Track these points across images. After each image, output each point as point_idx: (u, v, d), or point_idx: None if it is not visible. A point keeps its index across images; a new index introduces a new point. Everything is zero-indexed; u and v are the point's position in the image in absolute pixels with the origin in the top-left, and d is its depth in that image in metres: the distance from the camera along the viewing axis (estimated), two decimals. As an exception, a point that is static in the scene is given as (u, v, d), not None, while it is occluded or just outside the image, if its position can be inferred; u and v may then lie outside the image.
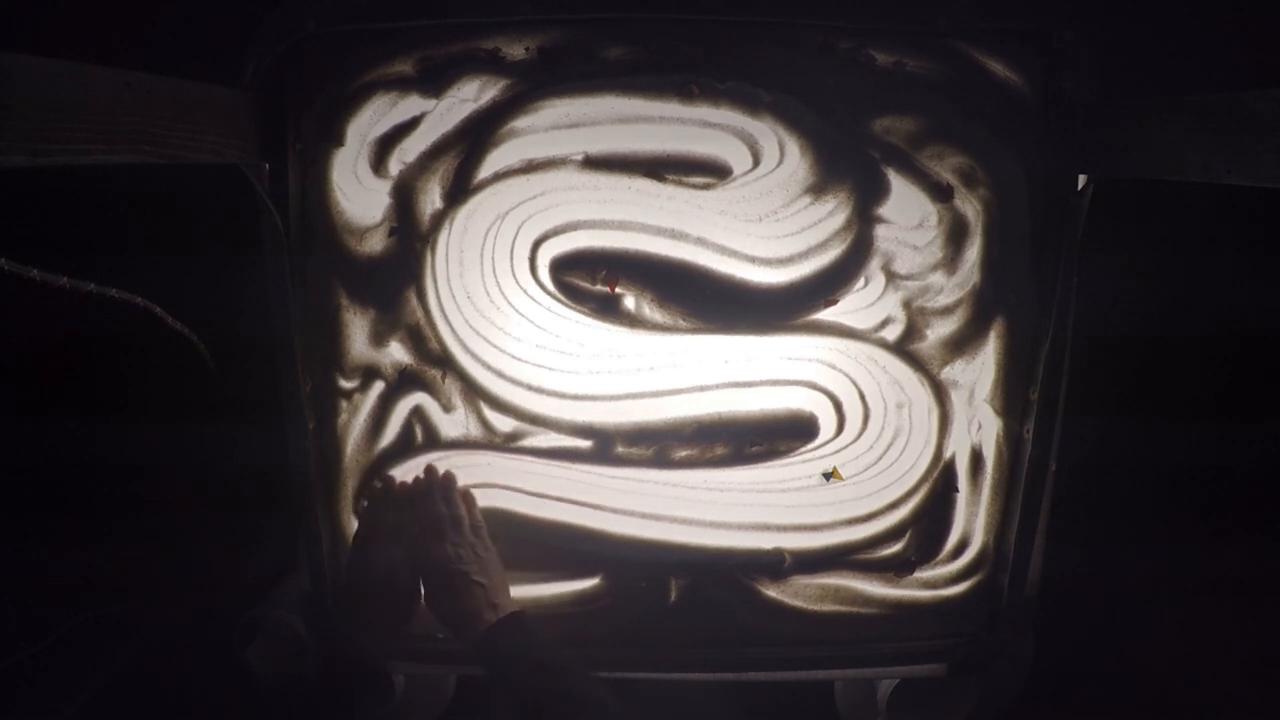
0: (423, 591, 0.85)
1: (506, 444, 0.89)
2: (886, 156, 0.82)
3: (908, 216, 0.83)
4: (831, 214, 0.83)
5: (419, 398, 0.88)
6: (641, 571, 0.91)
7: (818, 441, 0.89)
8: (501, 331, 0.85)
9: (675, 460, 0.89)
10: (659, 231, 0.83)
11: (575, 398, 0.87)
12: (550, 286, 0.84)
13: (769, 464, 0.89)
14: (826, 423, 0.88)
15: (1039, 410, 0.85)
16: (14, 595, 1.09)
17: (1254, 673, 1.01)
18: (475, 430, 0.88)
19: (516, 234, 0.83)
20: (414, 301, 0.85)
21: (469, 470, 0.89)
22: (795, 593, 0.91)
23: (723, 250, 0.83)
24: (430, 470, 0.88)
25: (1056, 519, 0.90)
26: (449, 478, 0.88)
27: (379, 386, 0.87)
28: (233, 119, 0.75)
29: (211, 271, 0.94)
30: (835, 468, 0.89)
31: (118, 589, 1.13)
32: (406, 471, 0.89)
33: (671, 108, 0.80)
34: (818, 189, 0.82)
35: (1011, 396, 0.87)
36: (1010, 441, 0.89)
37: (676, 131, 0.81)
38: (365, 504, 0.90)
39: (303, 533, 0.90)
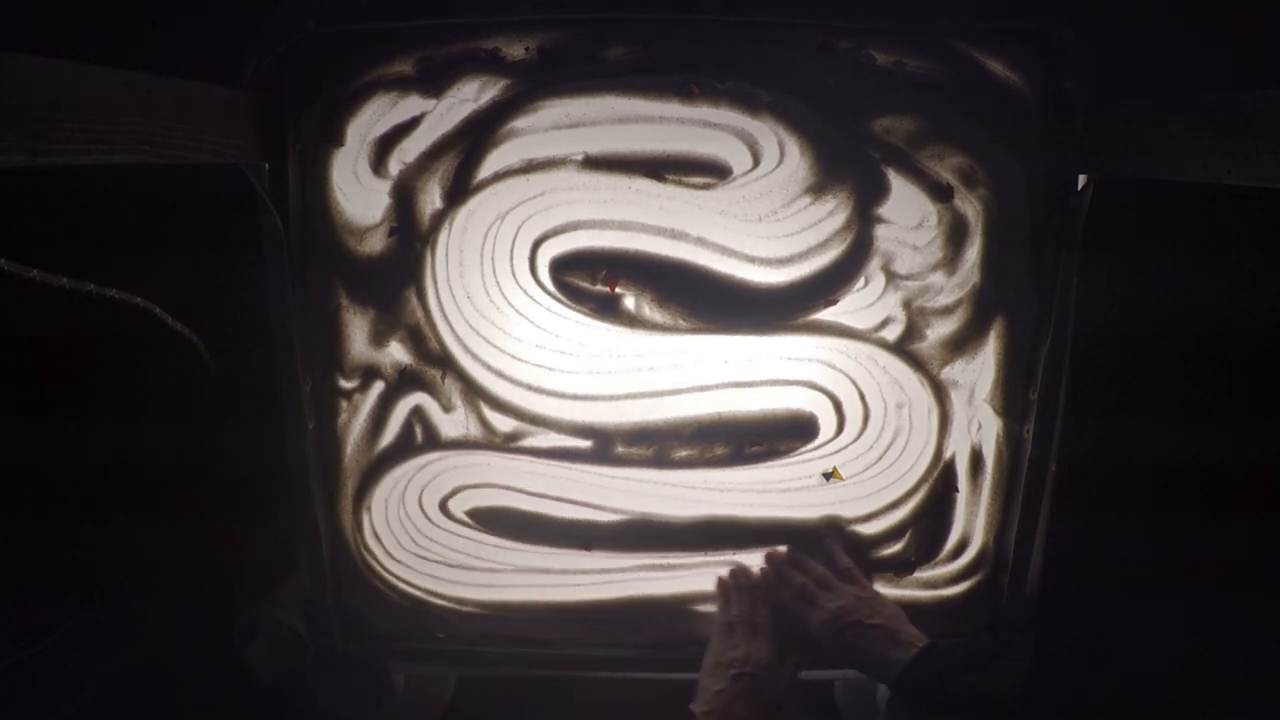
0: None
1: (506, 444, 0.89)
2: (886, 156, 0.82)
3: (908, 216, 0.83)
4: (831, 214, 0.83)
5: (419, 398, 0.88)
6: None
7: (818, 441, 0.89)
8: (501, 331, 0.85)
9: (675, 460, 0.89)
10: (659, 231, 0.83)
11: (575, 398, 0.87)
12: (550, 286, 0.84)
13: (769, 464, 0.89)
14: (826, 423, 0.88)
15: (1039, 410, 0.85)
16: (14, 595, 1.09)
17: (1254, 673, 1.00)
18: (475, 430, 0.88)
19: (516, 234, 0.83)
20: (414, 301, 0.85)
21: (469, 470, 0.89)
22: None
23: (723, 250, 0.83)
24: (769, 557, 0.89)
25: (1056, 519, 0.89)
26: (782, 552, 0.89)
27: (379, 386, 0.87)
28: (233, 119, 0.75)
29: (211, 271, 0.94)
30: (835, 468, 0.89)
31: (118, 589, 1.12)
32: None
33: (671, 108, 0.80)
34: (818, 189, 0.82)
35: (1011, 396, 0.87)
36: (1010, 441, 0.89)
37: (676, 131, 0.81)
38: (724, 624, 0.87)
39: (303, 533, 0.90)
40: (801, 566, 0.87)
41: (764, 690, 0.82)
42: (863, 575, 0.88)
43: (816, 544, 0.89)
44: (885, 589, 0.91)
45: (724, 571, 0.90)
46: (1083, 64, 0.79)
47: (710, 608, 0.91)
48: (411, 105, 0.81)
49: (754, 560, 0.91)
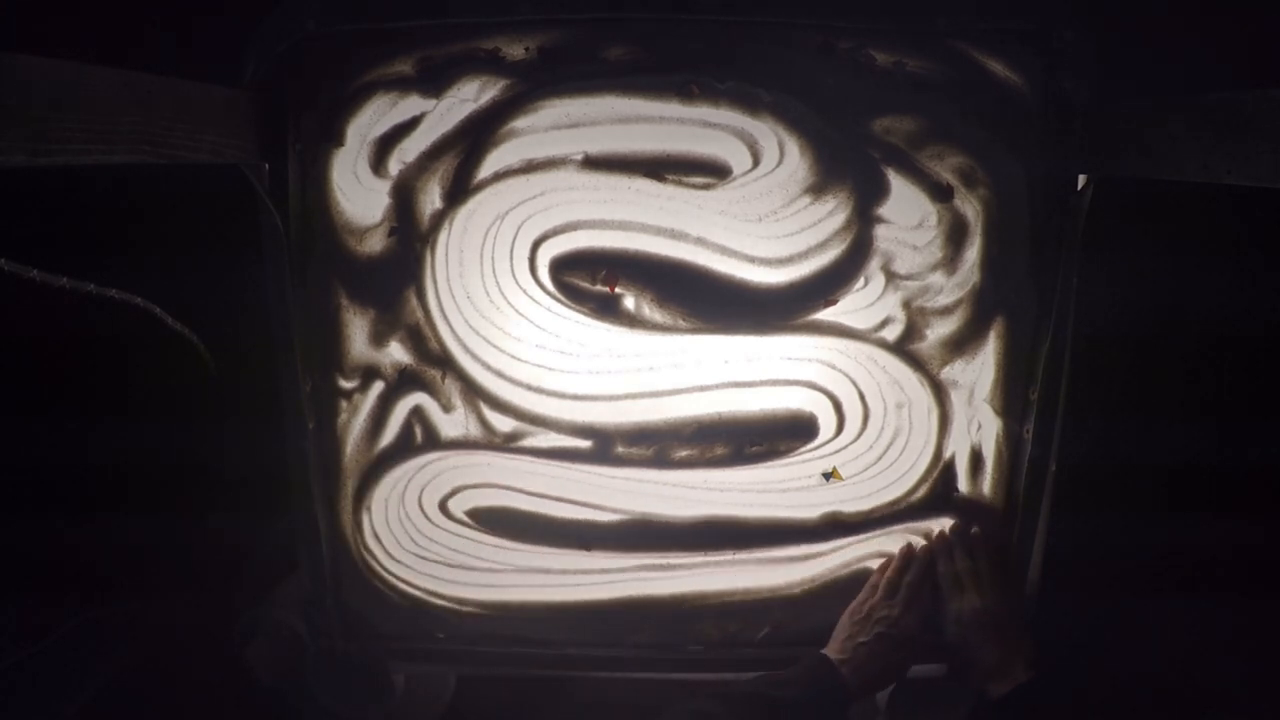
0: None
1: (506, 444, 0.89)
2: (886, 156, 0.82)
3: (908, 216, 0.83)
4: (831, 214, 0.83)
5: (419, 398, 0.88)
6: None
7: (817, 441, 0.89)
8: (501, 331, 0.85)
9: (675, 460, 0.89)
10: (659, 231, 0.83)
11: (575, 398, 0.87)
12: (550, 286, 0.84)
13: (769, 464, 0.89)
14: (826, 423, 0.88)
15: (1039, 410, 0.85)
16: (14, 595, 1.09)
17: (1254, 673, 1.00)
18: (475, 430, 0.88)
19: (516, 234, 0.83)
20: (414, 301, 0.85)
21: (469, 470, 0.89)
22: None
23: (723, 250, 0.83)
24: (949, 530, 0.90)
25: (1056, 519, 0.89)
26: (958, 528, 0.89)
27: (379, 386, 0.87)
28: (233, 119, 0.75)
29: (211, 271, 0.94)
30: (835, 468, 0.89)
31: (118, 589, 1.12)
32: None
33: (671, 108, 0.80)
34: (818, 189, 0.82)
35: (1011, 396, 0.87)
36: (1010, 441, 0.89)
37: (676, 131, 0.81)
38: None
39: (303, 533, 0.90)
40: (971, 552, 0.88)
41: (895, 657, 0.84)
42: (1017, 588, 0.89)
43: (992, 536, 0.90)
44: None
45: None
46: (1083, 64, 0.79)
47: (706, 603, 0.91)
48: (411, 105, 0.81)
49: (750, 568, 0.91)
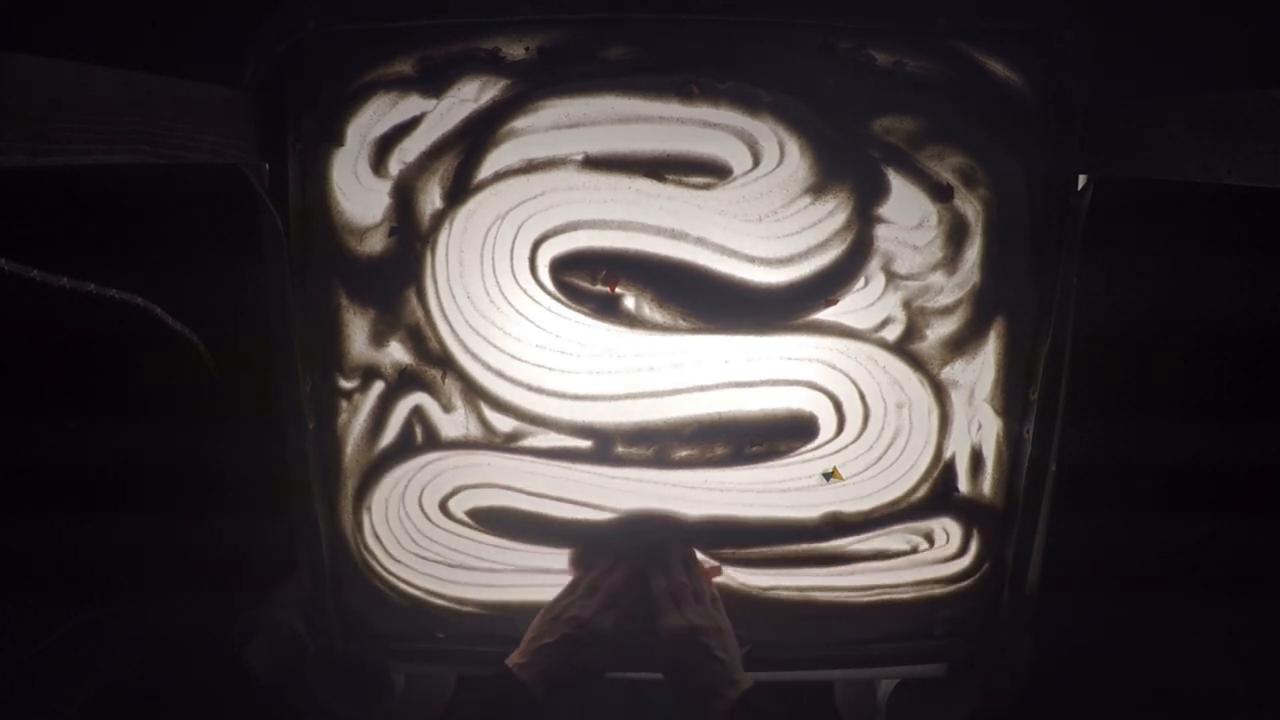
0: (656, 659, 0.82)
1: (506, 444, 0.89)
2: (886, 156, 0.82)
3: (908, 216, 0.83)
4: (831, 214, 0.83)
5: (419, 398, 0.88)
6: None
7: (818, 441, 0.89)
8: (501, 331, 0.85)
9: (675, 460, 0.89)
10: (659, 231, 0.83)
11: (575, 398, 0.87)
12: (550, 286, 0.84)
13: (769, 464, 0.89)
14: (826, 423, 0.88)
15: (1039, 410, 0.85)
16: (14, 595, 1.09)
17: (1254, 673, 1.00)
18: (475, 430, 0.88)
19: (516, 234, 0.83)
20: (414, 301, 0.85)
21: (469, 470, 0.89)
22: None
23: (723, 250, 0.83)
24: (677, 546, 0.88)
25: (1056, 519, 0.90)
26: (690, 549, 0.88)
27: (379, 386, 0.87)
28: (233, 119, 0.75)
29: (211, 271, 0.94)
30: (835, 468, 0.89)
31: (118, 589, 1.12)
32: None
33: (671, 108, 0.80)
34: (818, 189, 0.82)
35: (1011, 396, 0.87)
36: (1010, 441, 0.89)
37: (676, 131, 0.81)
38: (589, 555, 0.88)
39: (303, 533, 0.90)
40: (687, 569, 0.86)
41: (581, 657, 0.81)
42: (724, 612, 0.86)
43: (696, 560, 0.89)
44: (889, 573, 0.91)
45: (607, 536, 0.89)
46: (1083, 64, 0.79)
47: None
48: (411, 105, 0.81)
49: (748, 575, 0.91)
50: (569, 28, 0.79)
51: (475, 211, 0.83)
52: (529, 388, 0.87)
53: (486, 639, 0.93)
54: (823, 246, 0.83)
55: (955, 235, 0.84)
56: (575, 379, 0.86)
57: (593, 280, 0.84)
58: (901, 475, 0.89)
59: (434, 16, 0.79)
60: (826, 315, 0.85)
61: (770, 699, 1.04)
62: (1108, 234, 0.83)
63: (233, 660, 0.95)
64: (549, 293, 0.84)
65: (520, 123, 0.81)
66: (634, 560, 0.87)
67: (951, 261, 0.84)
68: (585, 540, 0.90)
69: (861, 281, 0.84)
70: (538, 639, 0.82)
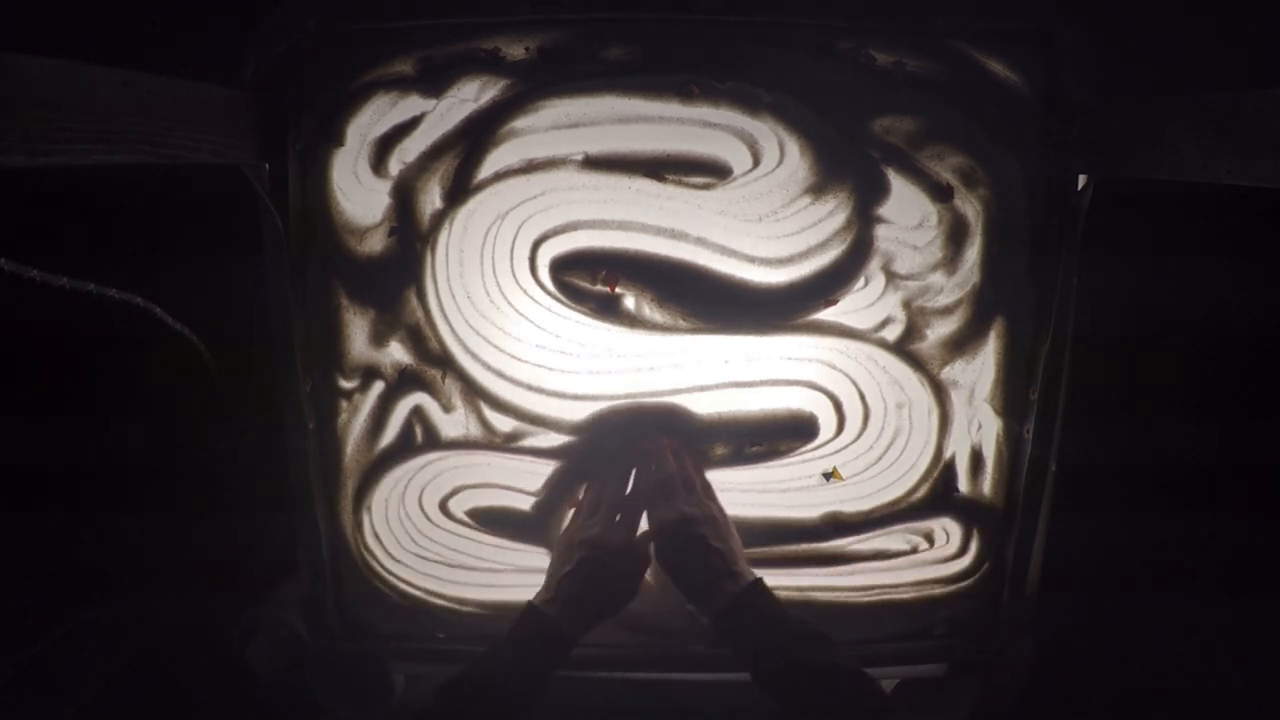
0: (653, 558, 0.80)
1: (506, 444, 0.89)
2: (886, 156, 0.82)
3: (908, 216, 0.83)
4: (831, 214, 0.83)
5: (419, 398, 0.88)
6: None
7: (818, 441, 0.89)
8: (501, 331, 0.85)
9: (675, 460, 0.89)
10: (659, 231, 0.83)
11: (575, 398, 0.87)
12: (550, 286, 0.84)
13: (769, 464, 0.89)
14: (826, 423, 0.88)
15: (1039, 410, 0.85)
16: (14, 595, 1.09)
17: (1254, 673, 1.00)
18: (475, 430, 0.88)
19: (516, 234, 0.83)
20: (414, 301, 0.85)
21: (469, 470, 0.89)
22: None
23: (723, 250, 0.83)
24: (655, 437, 0.84)
25: (1056, 519, 0.89)
26: (674, 444, 0.85)
27: (379, 386, 0.87)
28: (233, 119, 0.75)
29: (211, 271, 0.94)
30: (835, 468, 0.89)
31: (118, 588, 1.12)
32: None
33: (671, 108, 0.80)
34: (818, 189, 0.82)
35: (1011, 396, 0.87)
36: (1010, 441, 0.89)
37: (676, 131, 0.81)
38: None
39: (303, 533, 0.90)
40: (677, 460, 0.83)
41: (612, 579, 0.79)
42: (720, 503, 0.84)
43: (689, 450, 0.86)
44: (889, 573, 0.91)
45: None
46: (1083, 64, 0.79)
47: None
48: (411, 105, 0.81)
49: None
50: (569, 28, 0.79)
51: (475, 211, 0.83)
52: (529, 388, 0.87)
53: (486, 639, 0.92)
54: (823, 246, 0.83)
55: (955, 235, 0.84)
56: (575, 379, 0.86)
57: (593, 280, 0.84)
58: (901, 475, 0.89)
59: (434, 16, 0.79)
60: (826, 315, 0.85)
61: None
62: (1108, 234, 0.83)
63: (233, 660, 0.95)
64: (549, 293, 0.84)
65: (520, 123, 0.81)
66: (623, 465, 0.84)
67: (951, 261, 0.84)
68: (570, 460, 0.87)
69: (861, 281, 0.84)
70: (557, 571, 0.80)
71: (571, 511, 0.88)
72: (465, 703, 0.72)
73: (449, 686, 0.73)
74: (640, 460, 0.85)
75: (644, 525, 0.83)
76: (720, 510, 0.83)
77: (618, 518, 0.82)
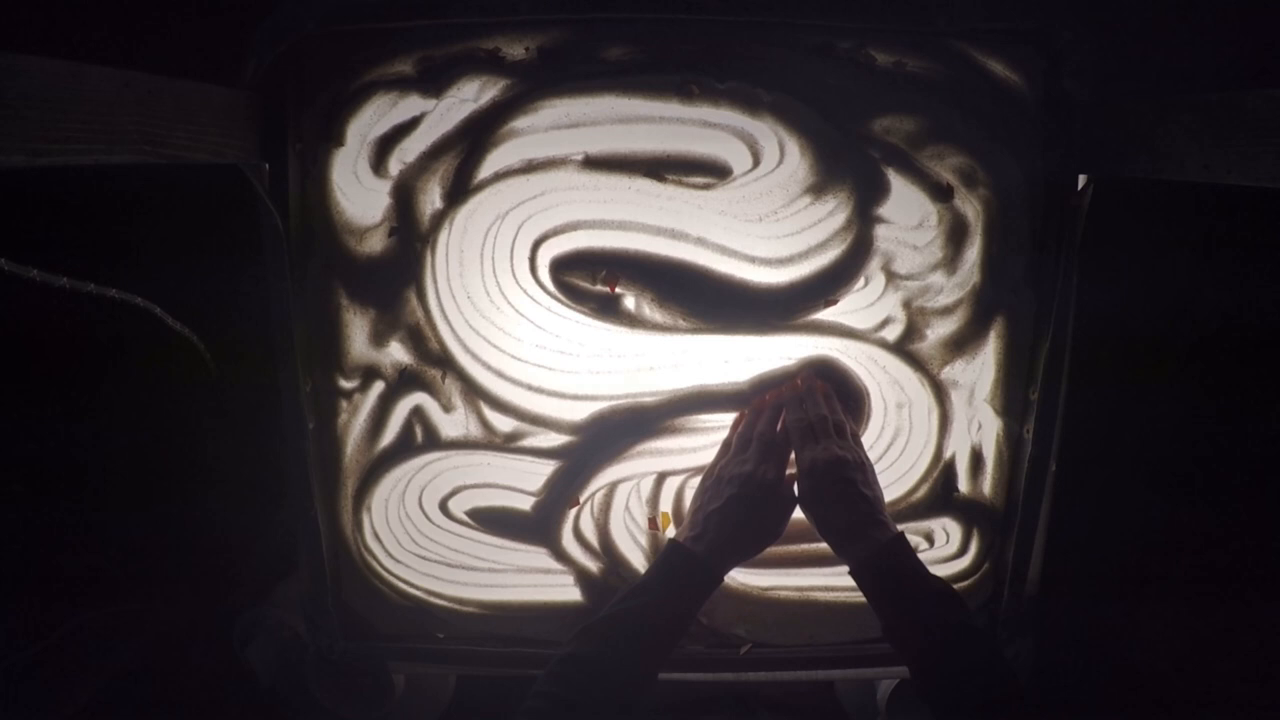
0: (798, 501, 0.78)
1: (506, 444, 0.89)
2: (886, 156, 0.82)
3: (908, 216, 0.83)
4: (831, 214, 0.83)
5: (419, 398, 0.88)
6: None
7: (818, 441, 0.88)
8: (501, 331, 0.85)
9: (675, 460, 0.89)
10: (659, 231, 0.83)
11: (575, 398, 0.87)
12: (550, 286, 0.84)
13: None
14: (826, 423, 0.88)
15: (1039, 410, 0.85)
16: (14, 595, 1.09)
17: (1254, 673, 1.00)
18: (475, 430, 0.88)
19: (516, 234, 0.83)
20: (414, 301, 0.85)
21: (469, 470, 0.89)
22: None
23: (723, 250, 0.83)
24: (808, 375, 0.82)
25: (1056, 519, 0.89)
26: (826, 386, 0.82)
27: (379, 386, 0.87)
28: (233, 119, 0.75)
29: (211, 271, 0.94)
30: (835, 468, 0.89)
31: (118, 589, 1.12)
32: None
33: (671, 108, 0.80)
34: (818, 189, 0.82)
35: (1011, 396, 0.87)
36: (1010, 441, 0.89)
37: (676, 131, 0.81)
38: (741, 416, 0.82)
39: (303, 533, 0.90)
40: (828, 403, 0.81)
41: (756, 518, 0.76)
42: (864, 447, 0.82)
43: (846, 394, 0.84)
44: None
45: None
46: (1083, 64, 0.79)
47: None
48: (411, 105, 0.81)
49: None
50: (569, 28, 0.79)
51: (475, 211, 0.83)
52: (529, 388, 0.87)
53: (486, 639, 0.93)
54: (823, 246, 0.83)
55: (955, 235, 0.84)
56: (575, 379, 0.86)
57: (593, 280, 0.84)
58: (901, 475, 0.89)
59: (434, 16, 0.79)
60: (826, 315, 0.85)
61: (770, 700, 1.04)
62: (1108, 234, 0.83)
63: (233, 660, 0.95)
64: (549, 293, 0.84)
65: (520, 123, 0.81)
66: (775, 404, 0.82)
67: (951, 261, 0.84)
68: (721, 401, 0.85)
69: (861, 281, 0.84)
70: (704, 507, 0.77)
71: (720, 447, 0.84)
72: (610, 643, 0.70)
73: (591, 627, 0.71)
74: (792, 401, 0.82)
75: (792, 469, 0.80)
76: (868, 459, 0.81)
77: (772, 456, 0.78)
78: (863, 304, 0.85)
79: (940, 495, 0.90)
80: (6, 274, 0.61)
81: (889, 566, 0.72)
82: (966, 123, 0.81)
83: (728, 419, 0.87)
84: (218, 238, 0.95)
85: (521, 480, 0.89)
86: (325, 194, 0.83)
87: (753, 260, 0.84)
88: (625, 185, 0.82)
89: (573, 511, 0.89)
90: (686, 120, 0.81)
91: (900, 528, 0.76)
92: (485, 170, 0.82)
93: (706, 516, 0.77)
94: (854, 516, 0.74)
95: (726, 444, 0.84)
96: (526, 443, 0.88)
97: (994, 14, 0.79)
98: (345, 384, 0.87)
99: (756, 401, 0.84)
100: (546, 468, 0.89)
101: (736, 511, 0.76)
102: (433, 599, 0.93)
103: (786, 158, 0.81)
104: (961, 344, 0.86)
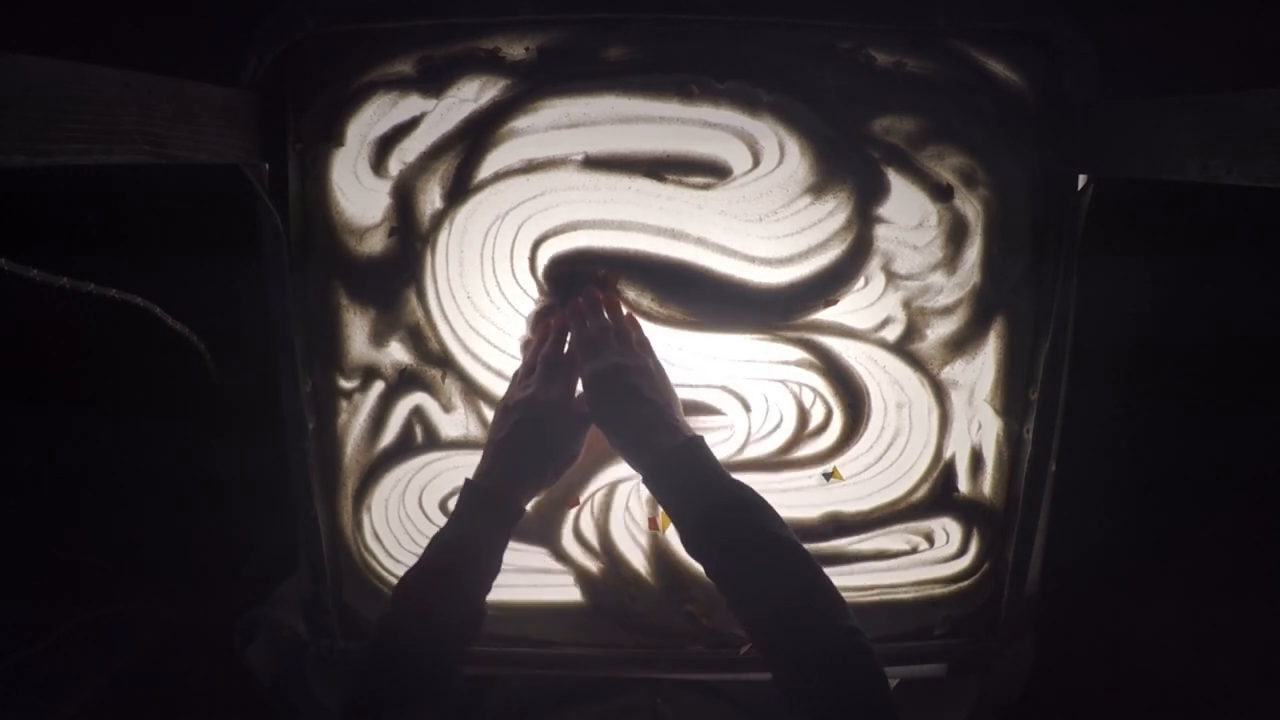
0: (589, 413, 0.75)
1: (506, 444, 0.88)
2: (886, 156, 0.82)
3: (908, 216, 0.83)
4: (831, 214, 0.83)
5: (419, 398, 0.88)
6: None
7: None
8: (502, 331, 0.85)
9: (675, 460, 0.88)
10: (659, 231, 0.83)
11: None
12: (550, 287, 0.84)
13: (773, 470, 0.89)
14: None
15: (1039, 410, 0.85)
16: (14, 595, 1.09)
17: (1254, 673, 1.01)
18: (475, 430, 0.88)
19: (516, 234, 0.83)
20: (414, 301, 0.85)
21: (469, 470, 0.89)
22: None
23: (723, 250, 0.83)
24: (588, 290, 0.79)
25: (1056, 519, 0.90)
26: (610, 297, 0.80)
27: (379, 386, 0.87)
28: (233, 119, 0.75)
29: (211, 271, 0.94)
30: (835, 468, 0.89)
31: (118, 589, 1.13)
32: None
33: (671, 108, 0.80)
34: (818, 189, 0.82)
35: (1011, 396, 0.87)
36: (1010, 441, 0.89)
37: (676, 131, 0.81)
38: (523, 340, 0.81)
39: (303, 533, 0.90)
40: (612, 313, 0.79)
41: (548, 438, 0.74)
42: (658, 358, 0.79)
43: (615, 301, 0.82)
44: (889, 573, 0.91)
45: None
46: (1083, 64, 0.79)
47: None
48: (411, 105, 0.81)
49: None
50: (569, 28, 0.79)
51: (475, 211, 0.83)
52: (529, 388, 0.86)
53: (487, 639, 0.93)
54: (823, 246, 0.83)
55: (955, 235, 0.84)
56: (575, 379, 0.86)
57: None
58: (901, 475, 0.89)
59: (434, 16, 0.79)
60: (826, 315, 0.85)
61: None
62: (1108, 234, 0.83)
63: (233, 660, 0.95)
64: (549, 293, 0.84)
65: (520, 123, 0.81)
66: (560, 327, 0.80)
67: (951, 261, 0.84)
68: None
69: (861, 281, 0.84)
70: (491, 439, 0.76)
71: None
72: (424, 592, 0.68)
73: (403, 583, 0.69)
74: (575, 319, 0.79)
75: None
76: (657, 363, 0.78)
77: (557, 376, 0.77)
78: (863, 304, 0.85)
79: (940, 495, 0.90)
80: (6, 274, 0.61)
81: (680, 470, 0.68)
82: (966, 123, 0.81)
83: (728, 419, 0.87)
84: (218, 238, 0.95)
85: (521, 480, 0.89)
86: (325, 194, 0.83)
87: (753, 260, 0.84)
88: (625, 185, 0.82)
89: (573, 511, 0.89)
90: (686, 120, 0.81)
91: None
92: (485, 170, 0.82)
93: (495, 449, 0.75)
94: (640, 422, 0.71)
95: (513, 377, 0.82)
96: (526, 443, 0.88)
97: (994, 14, 0.79)
98: (345, 384, 0.87)
99: (541, 327, 0.82)
100: (546, 468, 0.89)
101: (520, 438, 0.74)
102: (433, 599, 0.93)
103: (786, 158, 0.81)
104: (961, 344, 0.86)
